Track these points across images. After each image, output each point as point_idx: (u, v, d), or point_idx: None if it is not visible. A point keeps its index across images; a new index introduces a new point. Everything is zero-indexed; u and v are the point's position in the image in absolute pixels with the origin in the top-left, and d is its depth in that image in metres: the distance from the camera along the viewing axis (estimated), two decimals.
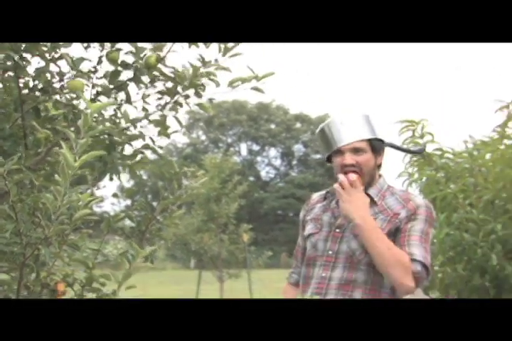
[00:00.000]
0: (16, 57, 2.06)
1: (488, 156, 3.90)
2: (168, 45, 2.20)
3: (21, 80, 2.18)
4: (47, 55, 2.14)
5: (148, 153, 2.40)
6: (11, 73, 2.14)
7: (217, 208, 13.84)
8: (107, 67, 2.26)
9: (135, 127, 2.31)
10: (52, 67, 2.18)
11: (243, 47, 2.19)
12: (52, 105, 2.14)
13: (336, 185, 2.26)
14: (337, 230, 2.31)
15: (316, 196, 2.51)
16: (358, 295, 2.20)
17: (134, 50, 2.19)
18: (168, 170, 2.29)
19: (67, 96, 2.25)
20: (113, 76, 2.24)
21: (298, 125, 43.28)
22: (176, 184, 2.27)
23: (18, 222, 1.85)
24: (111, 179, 2.34)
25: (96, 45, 2.22)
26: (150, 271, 20.37)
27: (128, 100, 2.29)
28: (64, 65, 2.19)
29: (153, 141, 2.36)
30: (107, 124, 2.23)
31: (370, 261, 2.20)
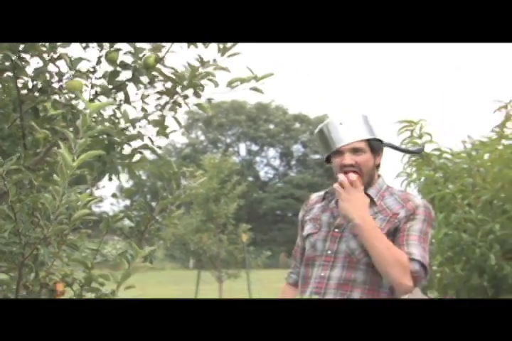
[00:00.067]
0: (14, 58, 2.07)
1: (486, 156, 3.91)
2: (167, 45, 2.20)
3: (20, 80, 2.18)
4: (46, 55, 2.14)
5: (148, 153, 2.40)
6: (9, 73, 2.14)
7: (216, 208, 13.85)
8: (105, 67, 2.26)
9: (134, 127, 2.31)
10: (52, 68, 2.19)
11: (242, 47, 2.20)
12: (51, 105, 2.14)
13: (335, 185, 2.26)
14: (336, 230, 2.31)
15: (315, 196, 2.51)
16: (356, 294, 2.21)
17: (132, 50, 2.20)
18: (166, 170, 2.29)
19: (66, 96, 2.25)
20: (112, 76, 2.24)
21: (297, 125, 43.29)
22: (174, 184, 2.28)
23: (17, 221, 1.85)
24: (110, 179, 2.34)
25: (95, 45, 2.22)
26: (149, 270, 20.37)
27: (127, 100, 2.30)
28: (63, 65, 2.19)
29: (152, 141, 2.36)
30: (106, 124, 2.24)
31: (369, 261, 2.20)
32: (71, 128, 2.06)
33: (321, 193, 2.49)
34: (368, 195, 2.28)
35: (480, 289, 3.71)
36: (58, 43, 2.12)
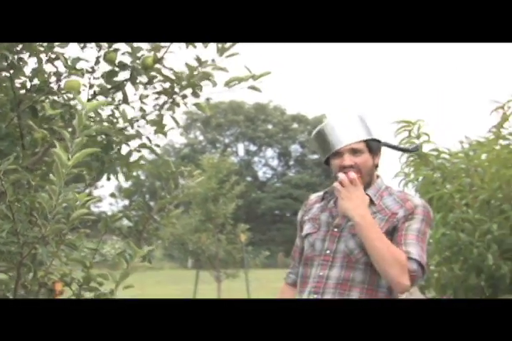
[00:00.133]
0: (11, 57, 2.07)
1: (484, 157, 3.91)
2: (166, 45, 2.21)
3: (18, 80, 2.18)
4: (43, 55, 2.15)
5: (146, 153, 2.40)
6: (7, 73, 2.15)
7: (214, 208, 13.84)
8: (104, 67, 2.26)
9: (132, 127, 2.32)
10: (49, 68, 2.19)
11: (240, 47, 2.20)
12: (50, 105, 2.14)
13: (335, 183, 2.26)
14: (335, 229, 2.31)
15: (314, 197, 2.52)
16: (355, 294, 2.21)
17: (130, 50, 2.20)
18: (165, 169, 2.30)
19: (65, 96, 2.26)
20: (109, 76, 2.24)
21: (295, 125, 43.29)
22: (172, 183, 2.28)
23: (15, 221, 1.86)
24: (108, 179, 2.34)
25: (93, 45, 2.23)
26: (148, 270, 20.35)
27: (125, 100, 2.30)
28: (61, 65, 2.19)
29: (150, 140, 2.36)
30: (105, 124, 2.24)
31: (367, 261, 2.21)
32: (70, 129, 2.06)
33: (320, 193, 2.49)
34: (367, 195, 2.29)
35: (477, 289, 3.72)
36: (56, 43, 2.12)
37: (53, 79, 2.21)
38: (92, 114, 2.21)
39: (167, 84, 2.28)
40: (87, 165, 2.26)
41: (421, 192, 3.95)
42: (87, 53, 2.23)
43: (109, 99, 2.29)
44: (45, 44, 2.11)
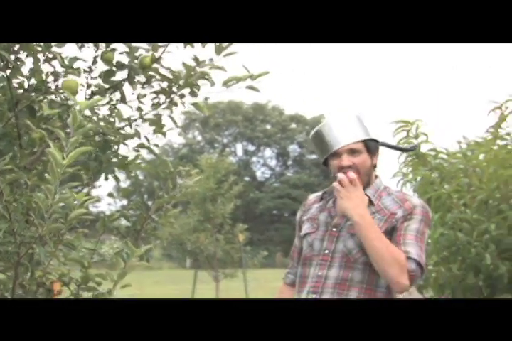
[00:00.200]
0: (9, 57, 2.07)
1: (481, 157, 3.92)
2: (164, 45, 2.21)
3: (16, 80, 2.18)
4: (41, 54, 2.14)
5: (145, 153, 2.40)
6: (4, 73, 2.15)
7: (213, 208, 13.85)
8: (102, 67, 2.26)
9: (131, 126, 2.32)
10: (47, 67, 2.19)
11: (239, 47, 2.20)
12: (47, 105, 2.14)
13: (335, 183, 2.26)
14: (333, 229, 2.31)
15: (312, 197, 2.52)
16: (353, 294, 2.21)
17: (128, 50, 2.20)
18: (163, 169, 2.30)
19: (62, 96, 2.25)
20: (107, 75, 2.24)
21: (293, 125, 43.30)
22: (170, 183, 2.28)
23: (12, 221, 1.86)
24: (106, 178, 2.34)
25: (90, 45, 2.23)
26: (146, 270, 20.37)
27: (123, 100, 2.30)
28: (58, 65, 2.19)
29: (148, 140, 2.36)
30: (102, 124, 2.24)
31: (366, 260, 2.21)
32: (68, 129, 2.06)
33: (319, 193, 2.50)
34: (366, 195, 2.29)
35: (475, 288, 3.73)
36: (53, 43, 2.12)
37: (51, 78, 2.21)
38: (89, 113, 2.21)
39: (165, 84, 2.28)
40: (85, 164, 2.26)
41: (419, 192, 3.95)
42: (84, 53, 2.23)
43: (107, 99, 2.29)
44: (42, 44, 2.11)
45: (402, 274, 2.13)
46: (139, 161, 2.40)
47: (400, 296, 2.35)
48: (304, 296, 2.27)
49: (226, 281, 14.20)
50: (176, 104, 2.31)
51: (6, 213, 1.84)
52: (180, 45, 2.20)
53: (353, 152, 2.26)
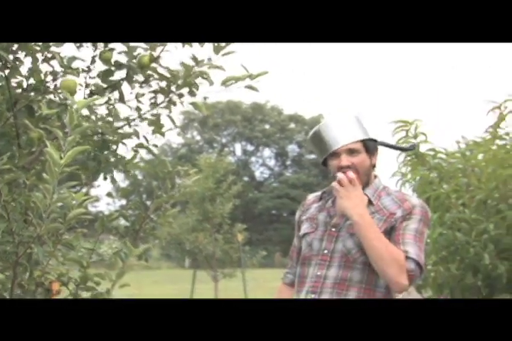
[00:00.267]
0: (7, 57, 2.07)
1: (480, 157, 3.92)
2: (162, 44, 2.21)
3: (14, 80, 2.18)
4: (40, 54, 2.14)
5: (143, 153, 2.40)
6: (2, 73, 2.14)
7: (211, 208, 13.84)
8: (100, 66, 2.26)
9: (130, 126, 2.32)
10: (46, 67, 2.19)
11: (237, 46, 2.20)
12: (46, 104, 2.14)
13: (334, 183, 2.26)
14: (333, 229, 2.31)
15: (311, 197, 2.52)
16: (353, 294, 2.21)
17: (126, 49, 2.20)
18: (161, 169, 2.30)
19: (61, 95, 2.25)
20: (105, 75, 2.24)
21: (292, 125, 43.30)
22: (169, 183, 2.28)
23: (10, 221, 1.86)
24: (105, 178, 2.34)
25: (89, 44, 2.22)
26: (145, 270, 20.36)
27: (121, 99, 2.30)
28: (57, 65, 2.19)
29: (147, 140, 2.36)
30: (100, 123, 2.24)
31: (365, 260, 2.21)
32: (66, 129, 2.06)
33: (318, 193, 2.49)
34: (365, 195, 2.29)
35: (474, 288, 3.73)
36: (51, 43, 2.12)
37: (49, 78, 2.21)
38: (88, 113, 2.21)
39: (163, 83, 2.28)
40: (83, 164, 2.26)
41: (418, 192, 3.95)
42: (82, 52, 2.23)
43: (105, 98, 2.28)
44: (41, 43, 2.11)
45: (401, 274, 2.13)
46: (137, 161, 2.40)
47: (400, 296, 2.35)
48: (303, 296, 2.27)
49: (225, 281, 14.20)
50: (174, 104, 2.31)
51: (5, 213, 1.84)
52: (179, 44, 2.20)
53: (351, 152, 2.26)
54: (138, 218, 2.34)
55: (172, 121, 2.34)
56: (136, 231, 2.34)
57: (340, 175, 2.24)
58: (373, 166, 2.36)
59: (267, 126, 42.94)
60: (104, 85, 2.26)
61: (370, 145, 2.31)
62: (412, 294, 3.79)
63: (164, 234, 13.40)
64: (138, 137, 2.34)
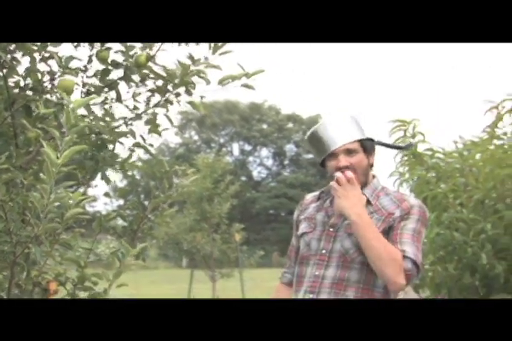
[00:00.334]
0: (4, 57, 2.06)
1: (478, 156, 3.93)
2: (158, 43, 2.21)
3: (12, 79, 2.18)
4: (37, 54, 2.14)
5: (141, 153, 2.40)
6: (0, 72, 2.14)
7: (209, 208, 13.84)
8: (97, 66, 2.26)
9: (127, 125, 2.31)
10: (43, 67, 2.19)
11: (237, 46, 2.20)
12: (43, 104, 2.14)
13: (332, 182, 2.26)
14: (331, 229, 2.31)
15: (309, 196, 2.52)
16: (351, 293, 2.21)
17: (123, 49, 2.20)
18: (159, 169, 2.30)
19: (58, 95, 2.25)
20: (103, 75, 2.24)
21: (290, 125, 43.33)
22: (166, 183, 2.28)
23: (8, 220, 1.85)
24: (102, 178, 2.34)
25: (86, 44, 2.22)
26: (142, 270, 20.34)
27: (118, 99, 2.30)
28: (55, 64, 2.19)
29: (143, 139, 2.36)
30: (100, 123, 2.23)
31: (363, 260, 2.21)
32: (64, 129, 2.06)
33: (316, 193, 2.50)
34: (364, 195, 2.29)
35: (472, 288, 3.73)
36: (49, 42, 2.12)
37: (47, 78, 2.21)
38: (86, 113, 2.21)
39: (160, 82, 2.27)
40: (81, 164, 2.25)
41: (415, 192, 3.96)
42: (79, 52, 2.23)
43: (102, 98, 2.28)
44: (38, 43, 2.11)
45: (399, 274, 2.13)
46: (135, 160, 2.40)
47: (401, 296, 2.35)
48: (301, 296, 2.27)
49: (222, 281, 14.20)
50: (171, 103, 2.30)
51: (2, 212, 1.83)
52: (175, 43, 2.20)
53: (349, 152, 2.27)
54: (135, 218, 2.34)
55: (169, 120, 2.34)
56: (133, 231, 2.33)
57: (338, 174, 2.24)
58: (371, 166, 2.36)
59: (265, 126, 42.97)
60: (101, 85, 2.26)
61: (367, 145, 2.31)
62: (409, 294, 3.79)
63: (162, 234, 13.41)
64: (134, 137, 2.33)
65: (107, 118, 2.28)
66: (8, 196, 1.91)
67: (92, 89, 2.25)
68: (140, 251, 1.97)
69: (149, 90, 2.29)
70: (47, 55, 2.14)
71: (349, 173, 2.23)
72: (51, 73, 2.19)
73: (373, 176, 2.38)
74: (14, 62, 2.12)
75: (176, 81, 2.22)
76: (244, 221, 19.68)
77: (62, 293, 2.19)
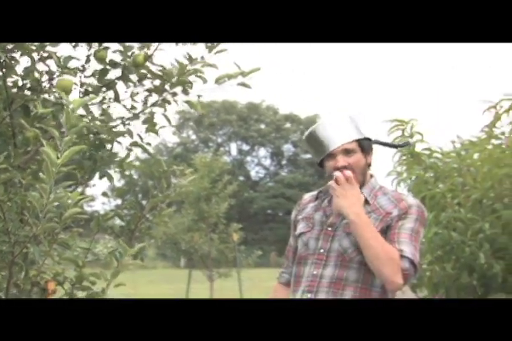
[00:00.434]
0: (3, 56, 2.06)
1: (476, 156, 3.93)
2: (156, 43, 2.21)
3: (10, 79, 2.18)
4: (35, 54, 2.14)
5: (139, 152, 2.40)
6: None
7: (207, 207, 13.84)
8: (95, 65, 2.26)
9: (124, 125, 2.31)
10: (41, 66, 2.18)
11: (235, 45, 2.20)
12: (41, 104, 2.14)
13: (331, 182, 2.26)
14: (329, 228, 2.31)
15: (307, 196, 2.52)
16: (349, 293, 2.21)
17: (121, 48, 2.20)
18: (157, 169, 2.30)
19: (56, 94, 2.25)
20: (101, 74, 2.24)
21: (287, 125, 43.33)
22: (164, 182, 2.28)
23: (6, 220, 1.85)
24: (100, 177, 2.33)
25: (84, 43, 2.22)
26: (140, 269, 20.32)
27: (116, 98, 2.30)
28: (53, 64, 2.19)
29: (141, 138, 2.36)
30: (98, 123, 2.23)
31: (361, 260, 2.21)
32: (62, 129, 2.06)
33: (314, 193, 2.50)
34: (362, 194, 2.29)
35: (469, 288, 3.73)
36: (47, 42, 2.12)
37: (45, 78, 2.21)
38: (84, 113, 2.21)
39: (157, 82, 2.27)
40: (79, 163, 2.25)
41: (413, 192, 3.96)
42: (77, 51, 2.23)
43: (100, 98, 2.28)
44: (36, 43, 2.11)
45: (396, 273, 2.13)
46: (132, 160, 2.40)
47: (402, 296, 2.35)
48: (299, 295, 2.27)
49: (220, 281, 14.20)
50: (168, 102, 2.30)
51: (1, 212, 1.83)
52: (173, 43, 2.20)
53: (347, 152, 2.27)
54: (133, 218, 2.34)
55: (167, 120, 2.34)
56: (131, 231, 2.33)
57: (337, 173, 2.24)
58: (369, 165, 2.36)
59: (263, 126, 42.96)
60: (99, 84, 2.26)
61: (365, 145, 2.31)
62: (407, 293, 3.79)
63: (160, 234, 13.40)
64: (131, 136, 2.33)
65: (105, 118, 2.28)
66: (6, 196, 1.91)
67: (90, 89, 2.25)
68: (138, 251, 1.97)
69: (147, 90, 2.29)
70: (45, 54, 2.14)
71: (348, 172, 2.24)
72: (49, 73, 2.19)
73: (371, 176, 2.38)
74: (13, 62, 2.12)
75: (174, 80, 2.22)
76: (242, 221, 19.68)
77: (60, 293, 2.19)
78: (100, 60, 2.22)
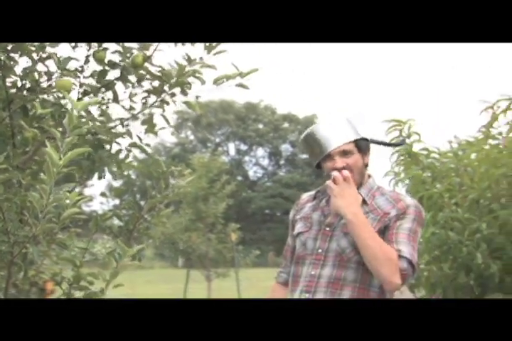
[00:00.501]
0: (3, 57, 2.06)
1: (473, 156, 3.93)
2: (155, 44, 2.21)
3: (9, 79, 2.18)
4: (35, 54, 2.14)
5: (137, 153, 2.40)
6: None
7: (205, 207, 13.84)
8: (94, 66, 2.26)
9: (123, 125, 2.32)
10: (40, 67, 2.19)
11: (229, 46, 2.20)
12: (40, 104, 2.14)
13: (328, 182, 2.27)
14: (327, 228, 2.32)
15: (305, 196, 2.53)
16: (347, 293, 2.22)
17: (120, 49, 2.20)
18: (155, 169, 2.30)
19: (55, 95, 2.25)
20: (100, 75, 2.24)
21: (286, 125, 43.35)
22: (163, 183, 2.28)
23: (6, 220, 1.85)
24: (99, 178, 2.34)
25: (83, 44, 2.22)
26: (138, 269, 20.33)
27: (115, 99, 2.30)
28: (52, 65, 2.19)
29: (140, 139, 2.36)
30: (97, 124, 2.24)
31: (359, 260, 2.22)
32: (60, 128, 2.06)
33: (312, 193, 2.50)
34: (360, 194, 2.30)
35: (467, 288, 3.74)
36: (47, 43, 2.12)
37: (44, 78, 2.21)
38: (83, 113, 2.21)
39: (156, 83, 2.28)
40: (78, 164, 2.26)
41: (411, 192, 3.96)
42: (76, 52, 2.23)
43: (99, 99, 2.28)
44: (35, 43, 2.11)
45: (394, 273, 2.14)
46: (131, 160, 2.40)
47: (400, 296, 2.36)
48: (297, 295, 2.28)
49: (218, 281, 14.20)
50: (167, 103, 2.31)
51: (0, 212, 1.83)
52: (171, 43, 2.20)
53: (345, 153, 2.27)
54: (132, 218, 2.34)
55: (166, 120, 2.34)
56: (129, 231, 2.34)
57: (335, 173, 2.25)
58: (366, 165, 2.37)
59: (261, 126, 42.97)
60: (98, 85, 2.26)
61: (362, 145, 2.32)
62: (405, 293, 3.80)
63: (158, 234, 13.39)
64: (131, 137, 2.34)
65: (104, 119, 2.28)
66: (5, 196, 1.91)
67: (89, 90, 2.25)
68: (137, 252, 1.97)
69: (145, 91, 2.29)
70: (44, 55, 2.14)
71: (345, 172, 2.24)
72: (48, 74, 2.20)
73: (369, 176, 2.39)
74: (12, 63, 2.12)
75: (172, 81, 2.22)
76: (239, 220, 19.68)
77: (58, 293, 2.20)
78: (99, 60, 2.23)
